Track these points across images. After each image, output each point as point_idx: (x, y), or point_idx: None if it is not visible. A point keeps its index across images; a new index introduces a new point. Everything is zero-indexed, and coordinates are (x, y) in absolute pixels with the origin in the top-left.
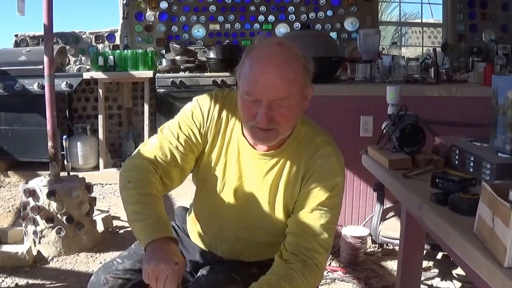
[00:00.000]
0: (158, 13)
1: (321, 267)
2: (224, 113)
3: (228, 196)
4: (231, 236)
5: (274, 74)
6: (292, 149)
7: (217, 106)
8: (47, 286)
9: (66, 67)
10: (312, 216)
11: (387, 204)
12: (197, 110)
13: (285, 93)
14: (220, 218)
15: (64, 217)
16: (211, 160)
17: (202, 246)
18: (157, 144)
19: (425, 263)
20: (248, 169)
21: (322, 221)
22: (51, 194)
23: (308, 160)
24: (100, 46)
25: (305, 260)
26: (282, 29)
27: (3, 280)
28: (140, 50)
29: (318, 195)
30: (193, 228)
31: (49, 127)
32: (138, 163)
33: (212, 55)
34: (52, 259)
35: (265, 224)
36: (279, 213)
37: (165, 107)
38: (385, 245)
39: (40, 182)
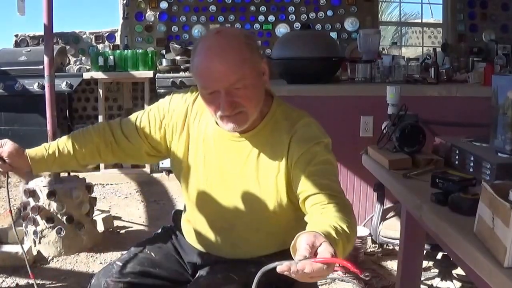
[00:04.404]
0: (158, 13)
1: (350, 205)
2: (196, 107)
3: (214, 186)
4: (225, 225)
5: (220, 62)
6: (270, 126)
7: (189, 101)
8: (47, 286)
9: (66, 67)
10: (313, 178)
11: (387, 204)
12: (166, 103)
13: (236, 77)
14: (211, 209)
15: (64, 217)
16: (189, 157)
17: (199, 247)
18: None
19: (425, 263)
20: (228, 154)
21: (326, 178)
22: (51, 194)
23: (288, 132)
24: (100, 46)
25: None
26: (282, 29)
27: (3, 280)
28: (140, 50)
29: (308, 159)
30: (188, 229)
31: (49, 127)
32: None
33: None
34: (52, 259)
35: (256, 206)
36: (269, 192)
37: None
38: (385, 245)
39: (40, 183)
